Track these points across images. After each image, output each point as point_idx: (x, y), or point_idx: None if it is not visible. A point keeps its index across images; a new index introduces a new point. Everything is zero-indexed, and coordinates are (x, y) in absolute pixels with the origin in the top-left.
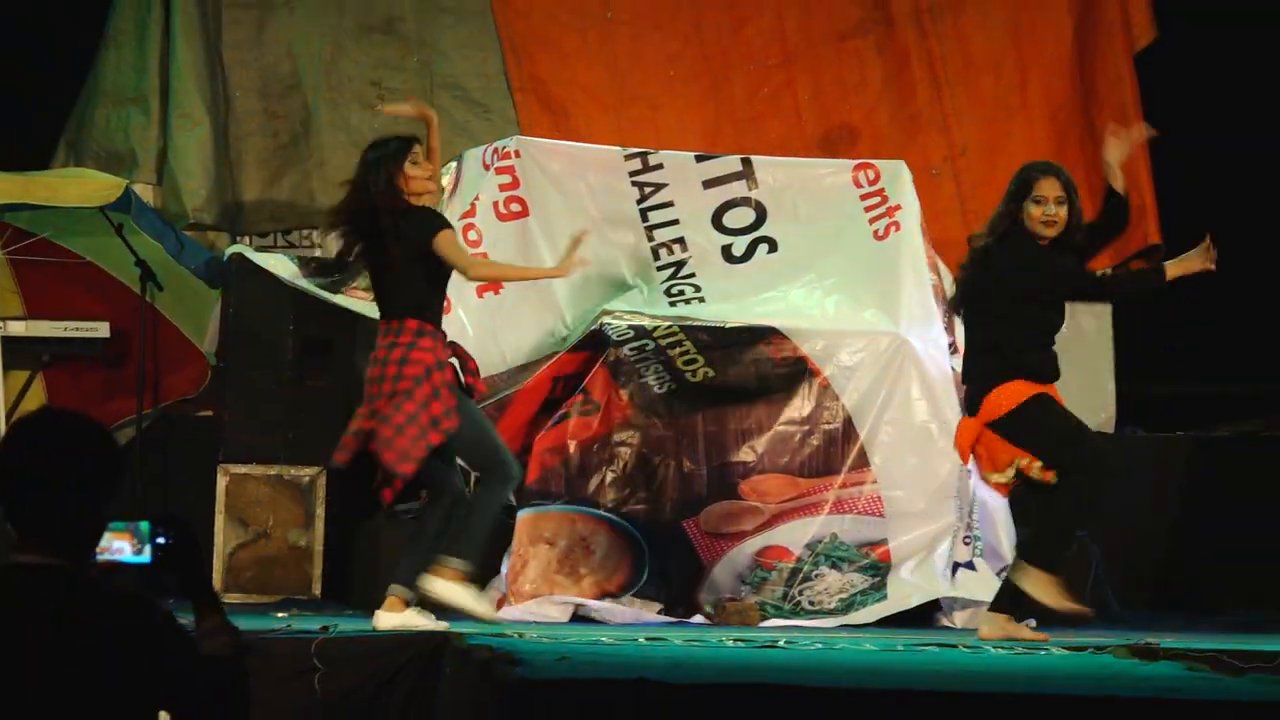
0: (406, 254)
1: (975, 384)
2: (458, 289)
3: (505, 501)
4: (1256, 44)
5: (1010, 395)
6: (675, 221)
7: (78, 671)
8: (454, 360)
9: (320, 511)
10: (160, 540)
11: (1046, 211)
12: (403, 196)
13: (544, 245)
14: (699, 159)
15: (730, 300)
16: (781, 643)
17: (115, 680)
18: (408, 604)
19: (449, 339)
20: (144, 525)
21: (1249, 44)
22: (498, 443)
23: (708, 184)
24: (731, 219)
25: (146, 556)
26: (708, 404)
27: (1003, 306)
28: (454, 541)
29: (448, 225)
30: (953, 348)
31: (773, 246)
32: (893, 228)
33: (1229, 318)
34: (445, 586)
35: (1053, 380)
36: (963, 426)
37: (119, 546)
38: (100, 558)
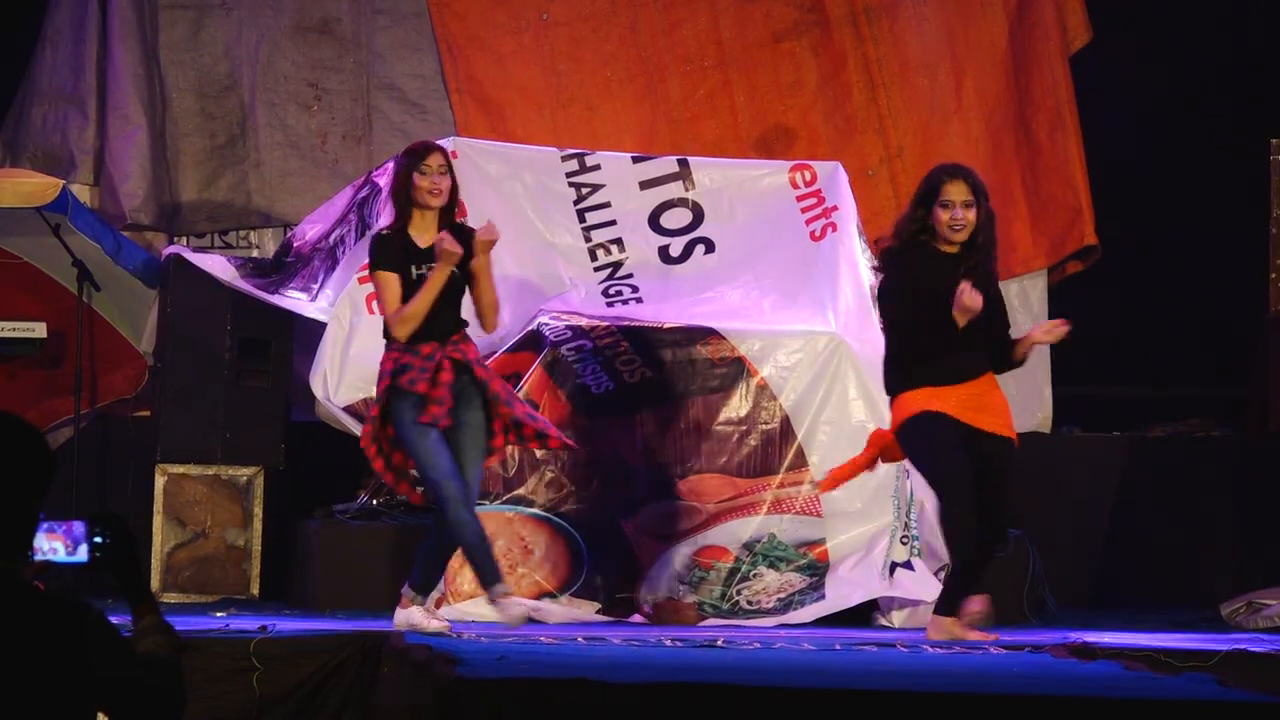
0: None
1: (887, 394)
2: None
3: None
4: (1189, 44)
5: (900, 408)
6: (613, 222)
7: (10, 673)
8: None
9: (258, 511)
10: (96, 539)
11: (954, 216)
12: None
13: None
14: (636, 160)
15: (668, 301)
16: (720, 642)
17: (49, 681)
18: (412, 603)
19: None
20: (79, 525)
21: (1182, 45)
22: (437, 478)
23: (645, 185)
24: (669, 220)
25: (83, 556)
26: (645, 404)
27: (892, 314)
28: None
29: (380, 267)
30: None
31: (710, 247)
32: (829, 229)
33: (1164, 320)
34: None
35: (956, 382)
36: (874, 436)
37: (53, 547)
38: (35, 558)
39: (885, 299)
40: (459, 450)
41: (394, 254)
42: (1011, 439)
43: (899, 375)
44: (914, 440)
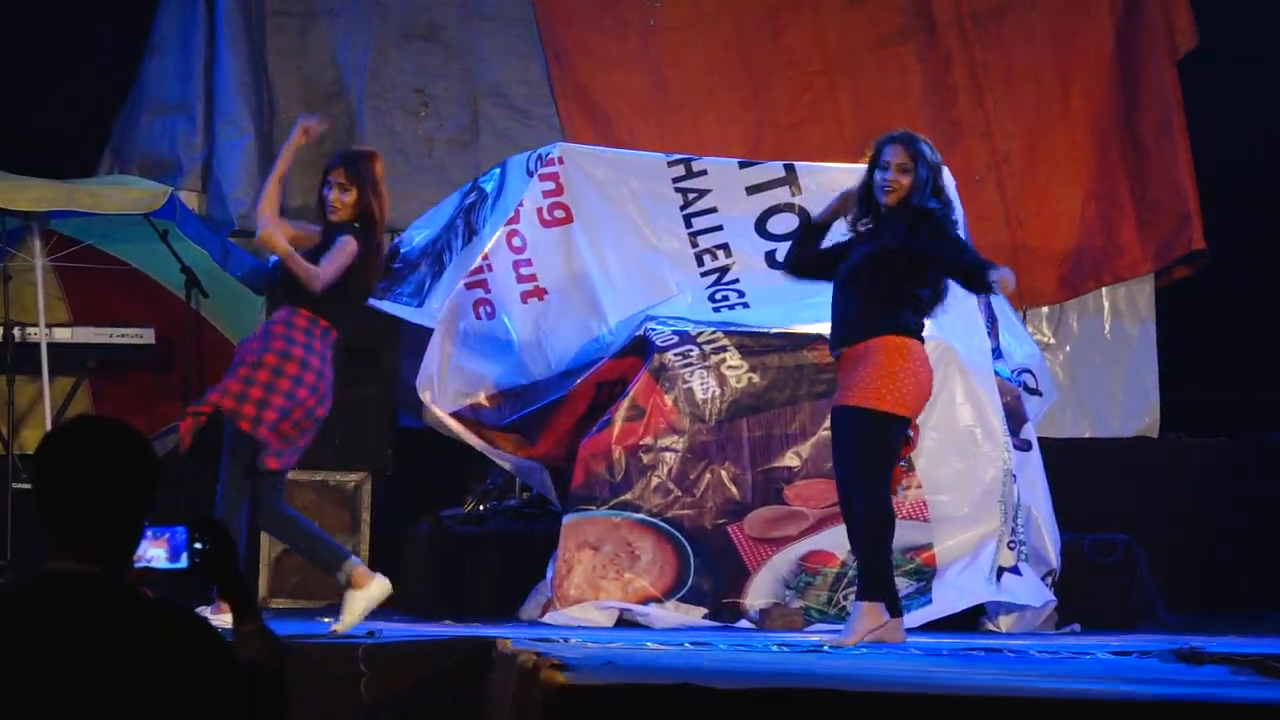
0: None
1: None
2: (502, 295)
3: None
4: None
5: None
6: (719, 227)
7: (114, 681)
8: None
9: (366, 517)
10: (196, 545)
11: (885, 177)
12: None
13: (588, 251)
14: (742, 165)
15: (774, 306)
16: (826, 647)
17: (151, 689)
18: None
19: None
20: (181, 531)
21: None
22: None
23: (751, 190)
24: (775, 225)
25: (184, 563)
26: (752, 409)
27: None
28: None
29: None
30: (996, 353)
31: None
32: None
33: (1272, 323)
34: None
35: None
36: None
37: (155, 554)
38: (137, 565)
39: None
40: None
41: None
42: (851, 407)
43: None
44: None
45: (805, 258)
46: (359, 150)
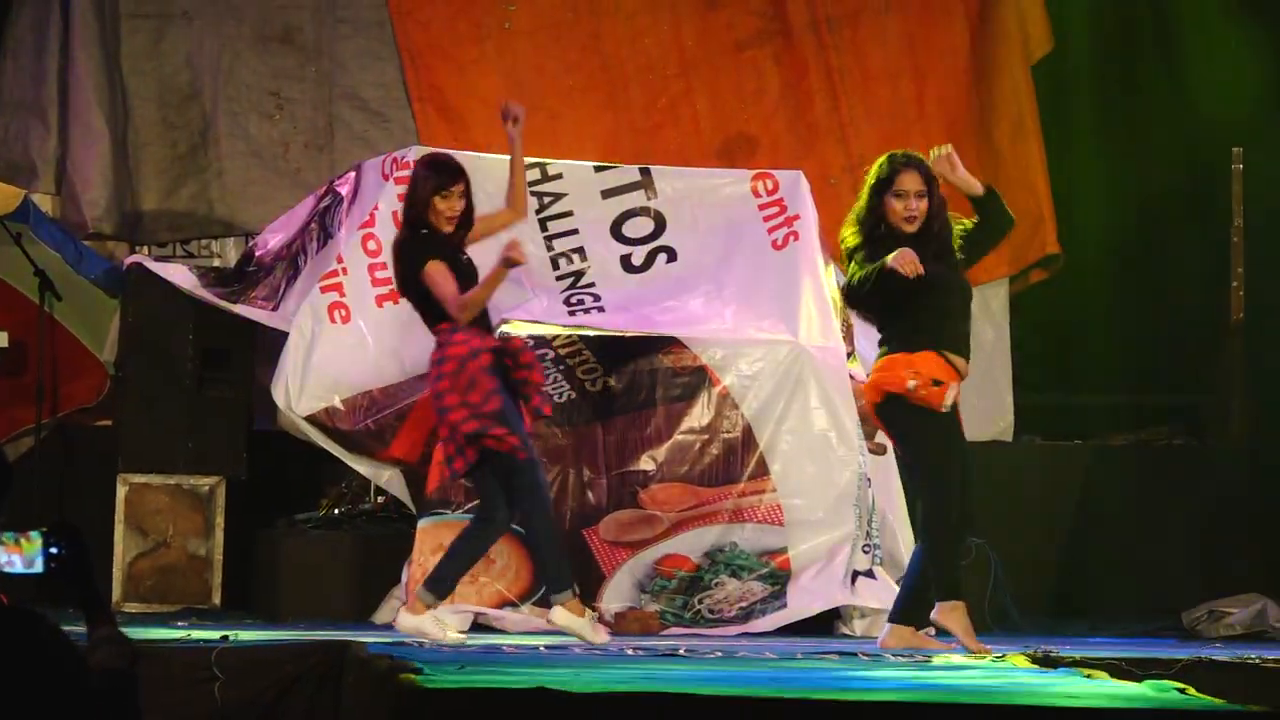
0: None
1: None
2: (357, 299)
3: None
4: (1151, 53)
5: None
6: (574, 231)
7: None
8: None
9: (220, 521)
10: (52, 550)
11: (908, 206)
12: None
13: None
14: (598, 169)
15: (630, 310)
16: (682, 651)
17: (2, 694)
18: (428, 608)
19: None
20: (36, 535)
21: (1143, 53)
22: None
23: (606, 194)
24: (631, 228)
25: (39, 567)
26: (607, 413)
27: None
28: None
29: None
30: (850, 356)
31: (672, 256)
32: (791, 237)
33: (1125, 328)
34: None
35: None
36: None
37: (9, 559)
38: None
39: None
40: None
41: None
42: None
43: None
44: None
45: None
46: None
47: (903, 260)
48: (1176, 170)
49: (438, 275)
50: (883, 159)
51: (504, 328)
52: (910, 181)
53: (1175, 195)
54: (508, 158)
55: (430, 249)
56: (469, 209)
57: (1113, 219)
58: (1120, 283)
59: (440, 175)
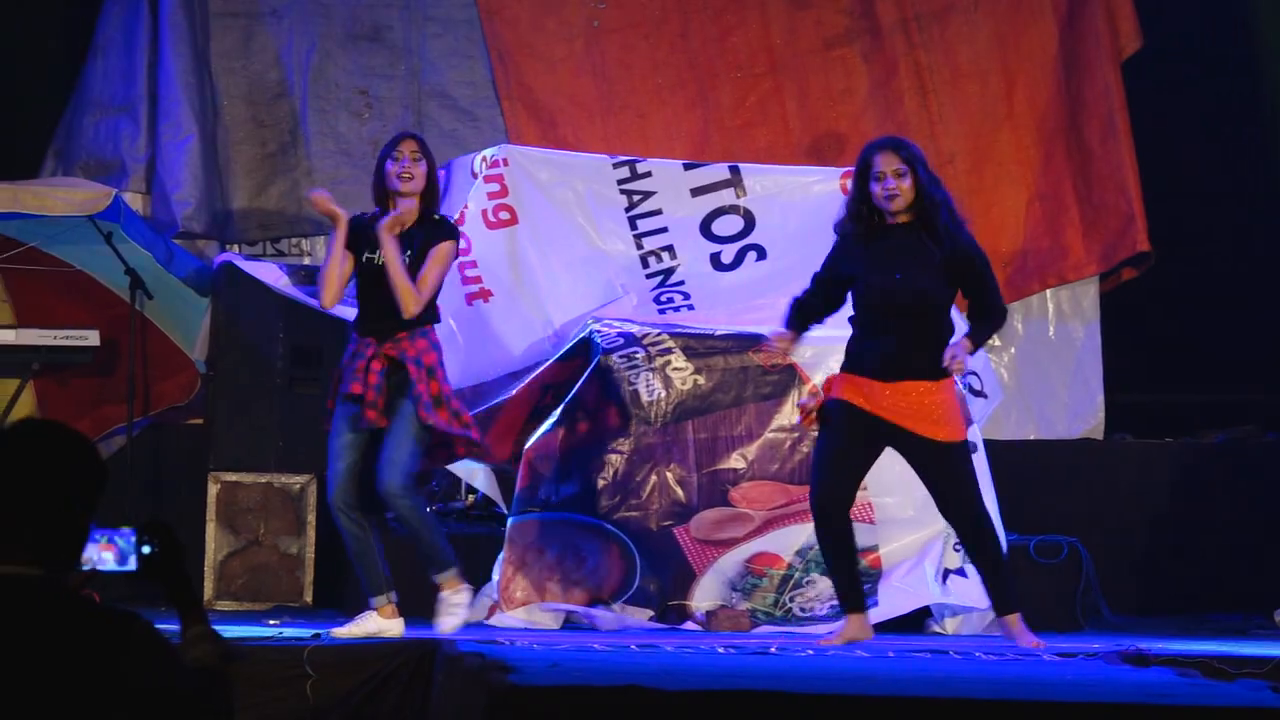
0: None
1: None
2: (446, 297)
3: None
4: (1243, 50)
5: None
6: (664, 229)
7: (56, 685)
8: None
9: (311, 519)
10: (144, 549)
11: (886, 187)
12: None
13: (533, 253)
14: (687, 167)
15: (719, 308)
16: (772, 649)
17: (96, 693)
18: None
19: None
20: (129, 533)
21: (1236, 51)
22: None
23: (696, 192)
24: (720, 226)
25: (131, 565)
26: (697, 411)
27: None
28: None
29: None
30: None
31: (761, 254)
32: None
33: (1217, 325)
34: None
35: (861, 374)
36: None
37: (104, 556)
38: (84, 568)
39: None
40: (387, 435)
41: (352, 234)
42: (940, 441)
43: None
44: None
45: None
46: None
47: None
48: (1270, 167)
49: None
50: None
51: (593, 325)
52: (885, 162)
53: (1268, 191)
54: (600, 156)
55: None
56: (430, 172)
57: (1203, 215)
58: (1211, 279)
59: (388, 144)
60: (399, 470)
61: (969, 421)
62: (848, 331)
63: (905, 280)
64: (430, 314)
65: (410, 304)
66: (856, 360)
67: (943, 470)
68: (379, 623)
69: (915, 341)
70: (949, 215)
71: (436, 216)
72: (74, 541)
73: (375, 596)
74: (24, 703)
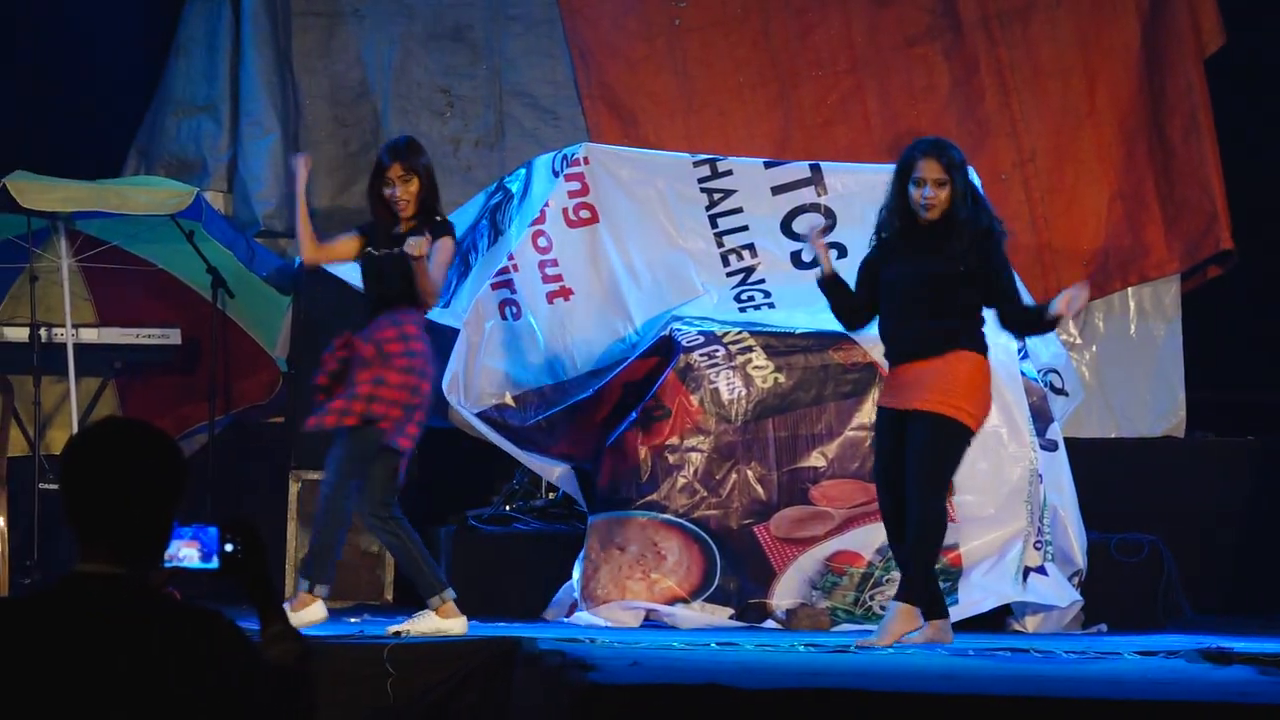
0: None
1: None
2: (528, 296)
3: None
4: None
5: None
6: (745, 228)
7: (140, 683)
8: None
9: None
10: (228, 546)
11: (924, 194)
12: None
13: (613, 251)
14: (768, 165)
15: (800, 306)
16: (853, 648)
17: (179, 691)
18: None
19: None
20: (212, 531)
21: None
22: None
23: (777, 190)
24: (801, 225)
25: (214, 563)
26: (777, 409)
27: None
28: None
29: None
30: (1022, 353)
31: (843, 252)
32: None
33: None
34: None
35: (896, 362)
36: None
37: (187, 554)
38: (168, 564)
39: None
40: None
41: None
42: (930, 413)
43: None
44: None
45: (848, 309)
46: (400, 140)
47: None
48: None
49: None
50: (907, 148)
51: (675, 324)
52: (927, 169)
53: None
54: (681, 155)
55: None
56: (421, 184)
57: None
58: None
59: (376, 166)
60: (366, 499)
61: (1049, 419)
62: None
63: (907, 267)
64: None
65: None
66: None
67: (909, 435)
68: (437, 622)
69: (918, 321)
70: (978, 231)
71: (439, 219)
72: (157, 540)
73: (430, 598)
74: (108, 701)
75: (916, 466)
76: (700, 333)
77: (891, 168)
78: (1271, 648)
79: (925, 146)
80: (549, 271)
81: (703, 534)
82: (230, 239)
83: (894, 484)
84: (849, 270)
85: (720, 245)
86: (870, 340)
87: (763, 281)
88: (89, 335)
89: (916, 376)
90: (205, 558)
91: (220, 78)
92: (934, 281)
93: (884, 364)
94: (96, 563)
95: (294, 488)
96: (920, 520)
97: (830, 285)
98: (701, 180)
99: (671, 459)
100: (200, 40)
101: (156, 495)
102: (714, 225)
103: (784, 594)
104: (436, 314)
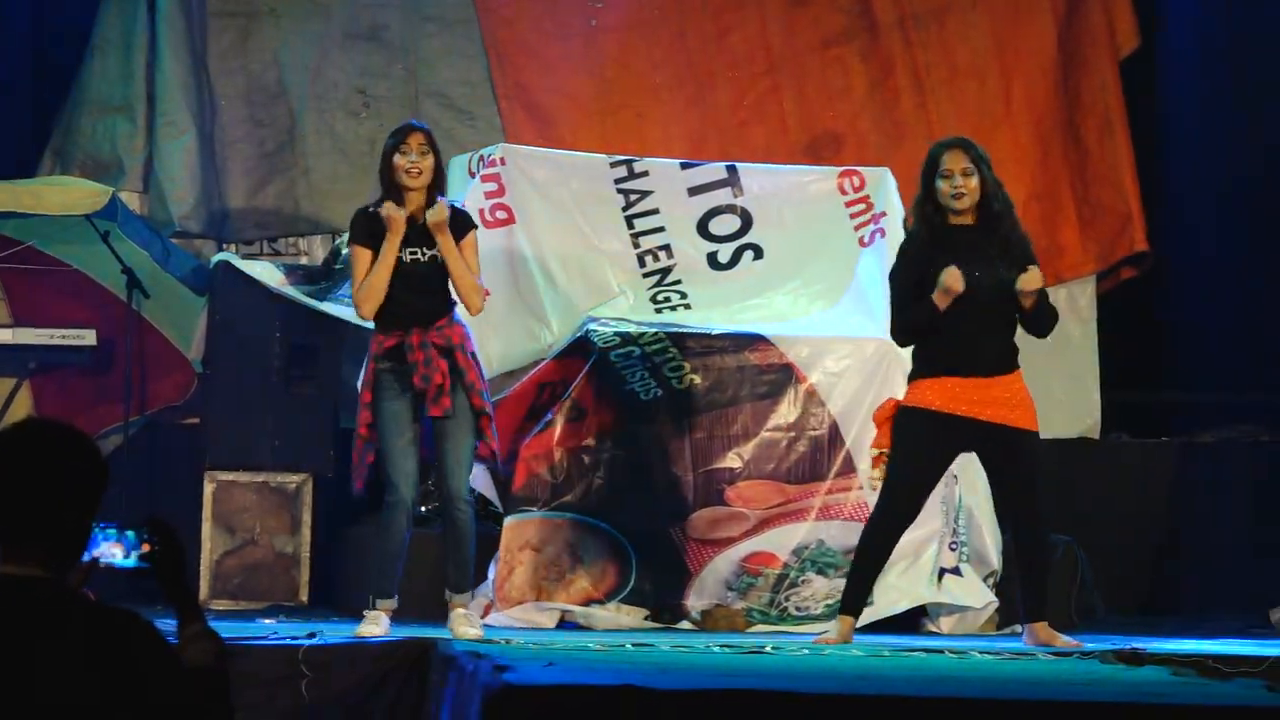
0: None
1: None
2: None
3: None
4: (1241, 49)
5: (903, 394)
6: (661, 229)
7: (57, 684)
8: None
9: (307, 518)
10: (146, 547)
11: (953, 184)
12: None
13: (530, 252)
14: (684, 166)
15: (716, 307)
16: (768, 648)
17: (95, 692)
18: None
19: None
20: (131, 534)
21: (1234, 49)
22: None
23: (693, 191)
24: (717, 226)
25: (133, 562)
26: (694, 411)
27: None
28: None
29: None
30: None
31: (758, 253)
32: (878, 234)
33: (1213, 325)
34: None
35: (948, 373)
36: (885, 404)
37: (109, 554)
38: (101, 561)
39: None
40: (441, 437)
41: (367, 229)
42: (1035, 433)
43: (914, 361)
44: (893, 429)
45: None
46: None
47: (952, 280)
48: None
49: (354, 259)
50: (930, 148)
51: (591, 325)
52: (953, 161)
53: (1263, 188)
54: (597, 156)
55: (358, 231)
56: (437, 165)
57: (1198, 215)
58: (1207, 280)
59: (396, 135)
60: (467, 472)
61: None
62: (842, 329)
63: (984, 277)
64: (454, 302)
65: (478, 300)
66: (935, 362)
67: (1017, 459)
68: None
69: (996, 335)
70: (1013, 222)
71: (458, 208)
72: (76, 541)
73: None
74: (28, 704)
75: (1038, 488)
76: (617, 333)
77: (807, 168)
78: (1184, 648)
79: (948, 141)
80: None
81: (618, 535)
82: (145, 239)
83: (924, 488)
84: (765, 271)
85: (636, 246)
86: (786, 341)
87: (679, 282)
88: (3, 335)
89: (1008, 391)
90: (124, 556)
91: (135, 78)
92: (1011, 293)
93: (800, 365)
94: (14, 564)
95: (209, 488)
96: (1047, 542)
97: (936, 317)
98: (618, 181)
99: (587, 460)
100: (116, 40)
101: (76, 497)
102: (630, 226)
103: (700, 595)
104: (352, 315)
